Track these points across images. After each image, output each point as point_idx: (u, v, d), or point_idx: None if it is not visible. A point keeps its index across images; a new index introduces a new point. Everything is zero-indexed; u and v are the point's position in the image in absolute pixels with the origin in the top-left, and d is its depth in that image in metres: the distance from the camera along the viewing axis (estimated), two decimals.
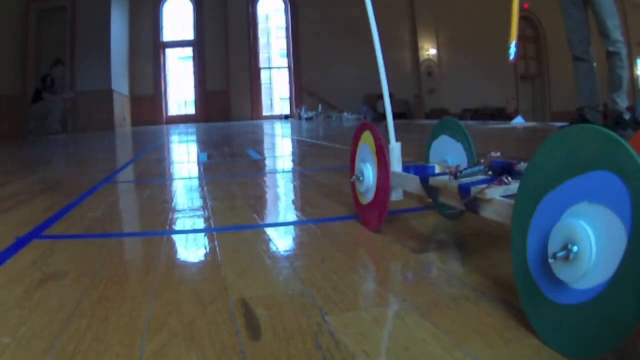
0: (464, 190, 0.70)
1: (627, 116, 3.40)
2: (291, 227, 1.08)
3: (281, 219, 1.18)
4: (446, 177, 0.77)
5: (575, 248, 0.45)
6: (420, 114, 12.68)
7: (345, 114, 11.96)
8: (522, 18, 15.17)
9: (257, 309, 0.60)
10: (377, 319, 0.56)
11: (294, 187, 1.67)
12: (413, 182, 0.85)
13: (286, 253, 0.85)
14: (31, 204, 1.47)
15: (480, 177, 0.75)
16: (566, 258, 0.46)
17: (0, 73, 7.84)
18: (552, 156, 0.50)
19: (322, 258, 0.82)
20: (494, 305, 0.59)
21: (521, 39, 15.13)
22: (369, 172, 0.95)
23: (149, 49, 13.05)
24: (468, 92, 13.64)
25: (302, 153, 3.13)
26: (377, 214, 0.93)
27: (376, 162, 0.93)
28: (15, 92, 8.28)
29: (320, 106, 12.14)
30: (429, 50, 14.27)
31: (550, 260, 0.47)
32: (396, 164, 0.93)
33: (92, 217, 1.21)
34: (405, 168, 0.93)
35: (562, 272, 0.47)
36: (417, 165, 0.96)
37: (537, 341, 0.49)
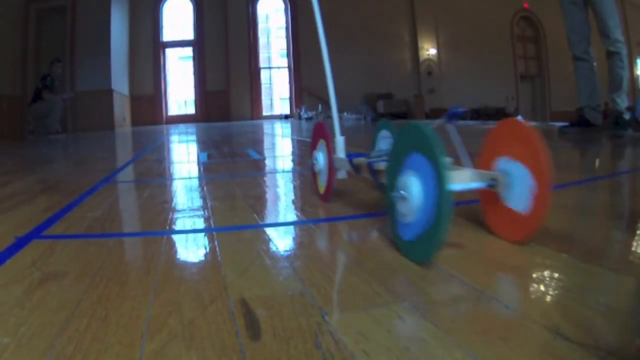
0: (370, 165, 1.04)
1: (627, 116, 3.40)
2: (291, 227, 1.08)
3: (281, 219, 1.18)
4: (363, 158, 1.10)
5: (407, 191, 0.76)
6: (420, 113, 12.68)
7: (345, 114, 11.96)
8: (522, 18, 15.17)
9: (257, 309, 0.60)
10: (377, 319, 0.56)
11: (294, 187, 1.67)
12: (347, 164, 1.17)
13: (286, 253, 0.85)
14: (31, 204, 1.47)
15: (383, 157, 1.04)
16: (403, 198, 0.77)
17: (0, 73, 7.83)
18: (400, 142, 0.82)
19: (322, 258, 0.82)
20: (494, 305, 0.59)
21: (521, 39, 15.14)
22: (322, 159, 1.29)
23: (149, 49, 13.06)
24: (468, 92, 13.64)
25: (302, 153, 3.13)
26: (328, 190, 1.25)
27: (327, 151, 1.25)
28: (15, 92, 8.28)
29: (320, 106, 12.14)
30: (429, 50, 14.27)
31: (395, 196, 0.78)
32: (340, 152, 1.23)
33: (92, 217, 1.21)
34: (348, 155, 1.20)
35: (401, 206, 0.78)
36: (353, 153, 1.21)
37: (539, 341, 0.49)
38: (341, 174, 1.24)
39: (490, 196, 0.88)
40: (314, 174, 1.36)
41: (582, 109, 3.58)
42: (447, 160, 0.82)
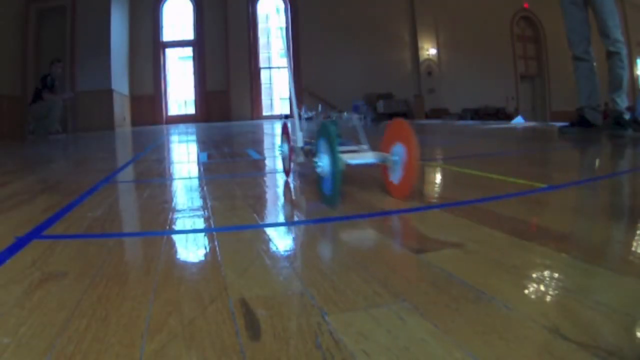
0: (310, 150, 1.47)
1: (627, 116, 3.40)
2: (291, 227, 1.08)
3: (281, 219, 1.18)
4: (309, 146, 1.51)
5: (321, 163, 1.21)
6: (420, 114, 12.68)
7: (345, 114, 11.94)
8: (522, 18, 15.17)
9: (257, 309, 0.60)
10: (377, 319, 0.56)
11: (294, 187, 1.67)
12: (300, 151, 1.58)
13: (286, 253, 0.85)
14: (31, 204, 1.47)
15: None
16: (320, 167, 1.22)
17: (0, 73, 7.83)
18: (318, 134, 1.25)
19: (322, 258, 0.82)
20: (494, 305, 0.59)
21: (521, 39, 15.14)
22: (285, 148, 1.77)
23: (149, 49, 13.05)
24: (468, 92, 13.63)
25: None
26: (289, 169, 1.79)
27: (288, 143, 1.72)
28: (15, 92, 8.28)
29: (320, 106, 12.13)
30: (429, 50, 14.26)
31: (316, 166, 1.23)
32: (299, 143, 1.61)
33: (92, 217, 1.21)
34: (304, 145, 1.60)
35: (320, 172, 1.23)
36: (307, 143, 1.58)
37: (539, 341, 0.49)
38: (300, 159, 1.60)
39: (385, 169, 1.34)
40: (283, 159, 1.86)
41: (582, 109, 3.58)
42: (364, 146, 1.40)
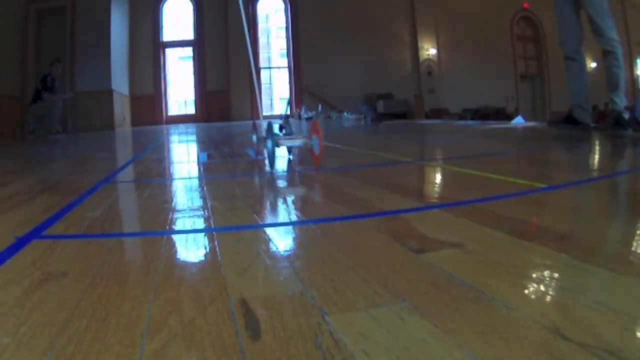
0: (262, 138, 2.28)
1: (626, 115, 3.39)
2: (291, 227, 1.08)
3: (281, 219, 1.18)
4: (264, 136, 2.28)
5: (268, 145, 2.07)
6: (420, 113, 12.68)
7: (345, 113, 11.96)
8: (522, 18, 15.18)
9: (257, 309, 0.60)
10: (377, 319, 0.56)
11: (294, 187, 1.67)
12: (262, 139, 2.24)
13: (286, 253, 0.85)
14: (31, 204, 1.47)
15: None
16: (267, 147, 2.08)
17: (0, 73, 7.83)
18: (267, 129, 2.13)
19: (322, 258, 0.82)
20: (494, 305, 0.59)
21: (521, 39, 15.14)
22: (254, 137, 2.63)
23: (149, 49, 13.05)
24: (468, 92, 13.64)
25: (302, 153, 3.13)
26: (258, 150, 2.75)
27: (257, 134, 2.58)
28: (15, 92, 8.28)
29: (320, 106, 12.13)
30: (429, 50, 14.26)
31: (265, 147, 2.18)
32: (263, 134, 2.25)
33: (92, 217, 1.21)
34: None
35: (267, 150, 2.12)
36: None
37: (539, 341, 0.49)
38: (264, 146, 2.20)
39: (309, 150, 2.05)
40: (255, 145, 2.68)
41: (572, 108, 3.61)
42: (299, 136, 2.20)
